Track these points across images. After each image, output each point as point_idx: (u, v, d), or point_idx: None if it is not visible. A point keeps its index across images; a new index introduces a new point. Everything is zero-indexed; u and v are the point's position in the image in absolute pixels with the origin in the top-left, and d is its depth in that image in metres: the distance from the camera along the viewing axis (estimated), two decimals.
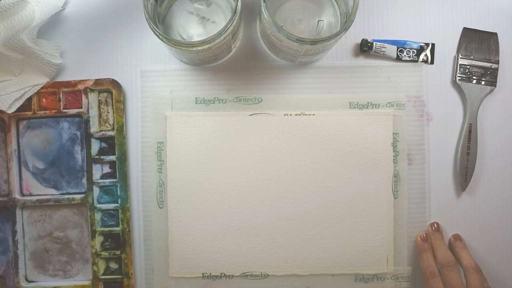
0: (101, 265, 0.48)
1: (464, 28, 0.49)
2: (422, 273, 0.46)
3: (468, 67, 0.49)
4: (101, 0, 0.49)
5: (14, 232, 0.48)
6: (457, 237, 0.48)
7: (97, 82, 0.48)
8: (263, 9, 0.39)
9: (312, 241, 0.48)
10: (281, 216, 0.48)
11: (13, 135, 0.48)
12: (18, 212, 0.48)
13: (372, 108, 0.49)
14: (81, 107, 0.48)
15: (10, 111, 0.46)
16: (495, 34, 0.49)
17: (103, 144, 0.49)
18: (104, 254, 0.48)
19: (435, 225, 0.48)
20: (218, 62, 0.48)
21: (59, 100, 0.48)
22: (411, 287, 0.49)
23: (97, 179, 0.48)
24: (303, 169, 0.48)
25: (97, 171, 0.48)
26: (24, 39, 0.44)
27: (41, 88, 0.48)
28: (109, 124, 0.49)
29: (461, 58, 0.49)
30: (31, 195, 0.49)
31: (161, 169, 0.48)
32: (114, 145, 0.48)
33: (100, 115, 0.49)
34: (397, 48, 0.48)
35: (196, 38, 0.44)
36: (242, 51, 0.49)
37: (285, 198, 0.48)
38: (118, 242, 0.48)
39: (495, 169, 0.49)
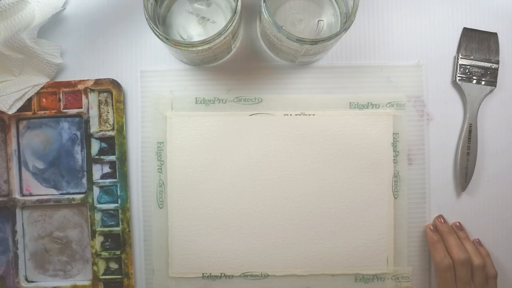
0: (101, 265, 0.48)
1: (464, 28, 0.49)
2: (436, 265, 0.46)
3: (468, 67, 0.49)
4: (101, 0, 0.49)
5: (14, 232, 0.48)
6: (459, 226, 0.48)
7: (97, 82, 0.48)
8: (263, 9, 0.39)
9: (312, 241, 0.48)
10: (281, 216, 0.48)
11: (13, 135, 0.48)
12: (18, 212, 0.48)
13: (372, 108, 0.49)
14: (81, 107, 0.48)
15: (10, 112, 0.46)
16: (495, 34, 0.49)
17: (103, 144, 0.49)
18: (104, 254, 0.48)
19: (441, 219, 0.48)
20: (218, 62, 0.48)
21: (59, 100, 0.48)
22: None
23: (97, 179, 0.48)
24: (303, 169, 0.48)
25: (97, 171, 0.48)
26: (25, 39, 0.44)
27: (41, 88, 0.47)
28: (109, 124, 0.49)
29: (461, 58, 0.49)
30: (31, 195, 0.49)
31: (161, 169, 0.48)
32: (114, 145, 0.48)
33: (100, 115, 0.49)
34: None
35: (196, 38, 0.44)
36: (242, 51, 0.49)
37: (285, 198, 0.48)
38: (118, 242, 0.48)
39: (495, 169, 0.49)
